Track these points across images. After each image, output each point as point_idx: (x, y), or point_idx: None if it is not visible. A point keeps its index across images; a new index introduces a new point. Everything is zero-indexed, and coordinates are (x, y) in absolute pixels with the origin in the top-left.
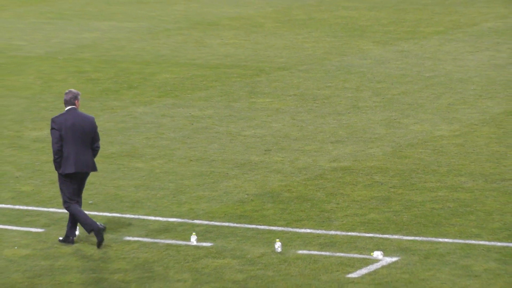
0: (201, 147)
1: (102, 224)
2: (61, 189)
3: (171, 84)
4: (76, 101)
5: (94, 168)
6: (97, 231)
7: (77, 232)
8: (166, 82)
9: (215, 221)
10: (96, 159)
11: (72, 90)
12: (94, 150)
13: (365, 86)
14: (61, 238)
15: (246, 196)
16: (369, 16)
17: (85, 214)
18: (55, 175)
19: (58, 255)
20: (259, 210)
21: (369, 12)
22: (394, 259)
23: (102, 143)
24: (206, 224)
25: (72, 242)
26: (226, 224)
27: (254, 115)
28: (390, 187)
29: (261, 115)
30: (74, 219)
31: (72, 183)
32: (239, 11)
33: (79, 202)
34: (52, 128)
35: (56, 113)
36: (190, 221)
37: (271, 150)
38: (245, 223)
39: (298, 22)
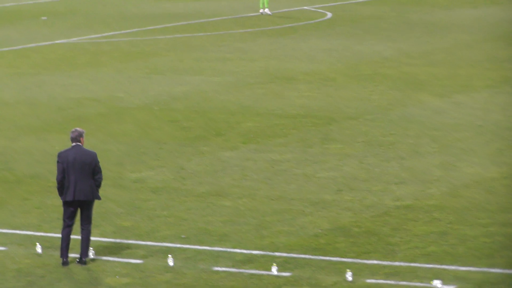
0: (280, 187)
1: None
2: (63, 213)
3: (253, 131)
4: (81, 138)
5: (95, 197)
6: (64, 263)
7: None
8: (249, 129)
9: (293, 253)
10: (188, 198)
11: (78, 128)
12: (96, 181)
13: (424, 133)
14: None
15: (320, 231)
16: (428, 72)
17: (67, 244)
18: (152, 212)
19: (155, 284)
20: (331, 243)
21: (427, 68)
22: (451, 287)
23: (193, 183)
24: (285, 256)
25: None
26: (303, 256)
27: (327, 159)
28: (447, 223)
29: (333, 159)
30: (86, 241)
31: (69, 209)
32: (313, 67)
33: (83, 229)
34: (57, 162)
35: (153, 157)
36: (271, 253)
37: (342, 190)
38: (319, 255)
39: (365, 77)
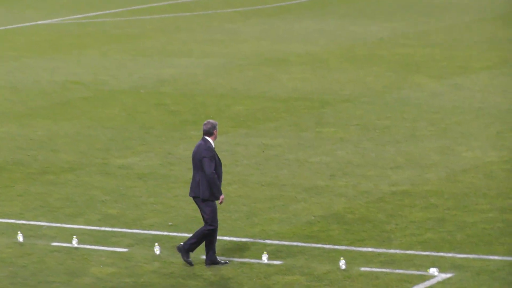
0: (272, 173)
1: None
2: None
3: (244, 115)
4: (214, 131)
5: (198, 194)
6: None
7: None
8: (239, 113)
9: (284, 241)
10: (176, 184)
11: (211, 120)
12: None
13: (421, 116)
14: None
15: (313, 217)
16: (424, 53)
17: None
18: (139, 199)
19: (141, 273)
20: (325, 230)
21: (424, 49)
22: (449, 275)
23: (181, 169)
24: (277, 244)
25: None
26: (295, 243)
27: (320, 144)
28: (445, 209)
29: (327, 143)
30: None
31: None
32: (306, 48)
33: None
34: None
35: (139, 142)
36: (262, 241)
37: (335, 175)
38: (312, 242)
39: (360, 58)
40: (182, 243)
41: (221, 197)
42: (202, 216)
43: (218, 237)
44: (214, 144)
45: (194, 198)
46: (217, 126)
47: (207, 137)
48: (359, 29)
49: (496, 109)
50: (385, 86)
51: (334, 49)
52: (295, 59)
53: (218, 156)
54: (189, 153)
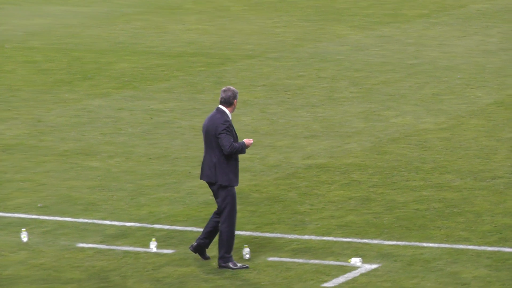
0: (162, 143)
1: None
2: None
3: (129, 74)
4: (235, 101)
5: (212, 179)
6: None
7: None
8: (123, 72)
9: (177, 226)
10: (48, 158)
11: (231, 87)
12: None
13: (342, 75)
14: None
15: (211, 197)
16: None
17: (207, 229)
18: (2, 175)
19: (5, 264)
20: None
21: None
22: (374, 266)
23: (54, 139)
24: (168, 229)
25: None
26: (190, 228)
27: None
28: (370, 187)
29: None
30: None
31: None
32: None
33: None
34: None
35: (3, 107)
36: (150, 225)
37: None
38: None
39: (267, 5)
40: (195, 243)
41: (248, 141)
42: (218, 206)
43: (97, 221)
44: (232, 116)
45: (209, 184)
46: (238, 95)
47: (223, 108)
48: None
49: (432, 65)
50: (297, 38)
51: None
52: (190, 7)
53: (235, 131)
54: (63, 120)
